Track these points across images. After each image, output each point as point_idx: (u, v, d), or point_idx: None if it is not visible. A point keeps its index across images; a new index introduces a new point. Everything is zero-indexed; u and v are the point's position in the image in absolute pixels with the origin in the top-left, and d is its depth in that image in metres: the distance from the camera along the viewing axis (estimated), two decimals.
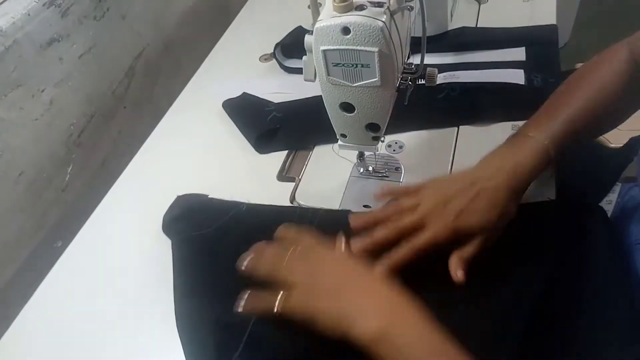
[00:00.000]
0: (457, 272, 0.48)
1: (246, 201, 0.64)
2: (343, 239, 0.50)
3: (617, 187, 0.68)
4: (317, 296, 0.45)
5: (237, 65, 0.91)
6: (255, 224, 0.60)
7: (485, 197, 0.49)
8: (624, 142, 0.74)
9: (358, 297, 0.44)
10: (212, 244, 0.60)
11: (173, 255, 0.60)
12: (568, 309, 0.48)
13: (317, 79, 0.52)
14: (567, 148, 0.52)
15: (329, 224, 0.56)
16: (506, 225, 0.51)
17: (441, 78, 0.76)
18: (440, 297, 0.46)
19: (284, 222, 0.54)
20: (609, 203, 0.67)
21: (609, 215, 0.65)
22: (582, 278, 0.49)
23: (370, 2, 0.45)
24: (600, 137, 0.88)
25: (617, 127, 0.89)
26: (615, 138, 0.87)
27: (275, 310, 0.45)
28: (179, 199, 0.66)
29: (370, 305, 0.43)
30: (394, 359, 0.40)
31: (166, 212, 0.65)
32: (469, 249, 0.49)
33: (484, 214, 0.49)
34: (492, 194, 0.49)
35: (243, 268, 0.49)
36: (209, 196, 0.66)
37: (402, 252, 0.48)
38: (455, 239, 0.49)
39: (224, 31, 1.00)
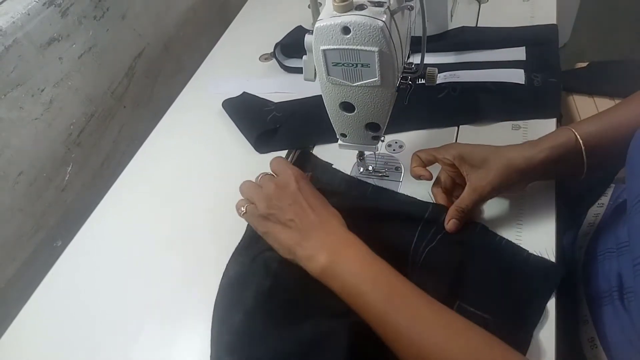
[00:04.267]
0: (449, 221, 0.55)
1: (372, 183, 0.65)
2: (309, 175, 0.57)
3: (610, 190, 0.68)
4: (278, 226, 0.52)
5: (237, 64, 0.91)
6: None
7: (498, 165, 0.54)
8: None
9: (314, 236, 0.50)
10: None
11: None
12: None
13: (317, 78, 0.52)
14: (598, 144, 0.54)
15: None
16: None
17: (441, 78, 0.76)
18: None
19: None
20: (601, 206, 0.67)
21: (599, 217, 0.65)
22: None
23: (370, 2, 0.45)
24: None
25: None
26: None
27: (240, 214, 0.57)
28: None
29: (319, 244, 0.50)
30: (340, 288, 0.47)
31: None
32: (466, 202, 0.55)
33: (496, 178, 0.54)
34: (506, 162, 0.54)
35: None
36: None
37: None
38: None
39: (224, 31, 1.00)
